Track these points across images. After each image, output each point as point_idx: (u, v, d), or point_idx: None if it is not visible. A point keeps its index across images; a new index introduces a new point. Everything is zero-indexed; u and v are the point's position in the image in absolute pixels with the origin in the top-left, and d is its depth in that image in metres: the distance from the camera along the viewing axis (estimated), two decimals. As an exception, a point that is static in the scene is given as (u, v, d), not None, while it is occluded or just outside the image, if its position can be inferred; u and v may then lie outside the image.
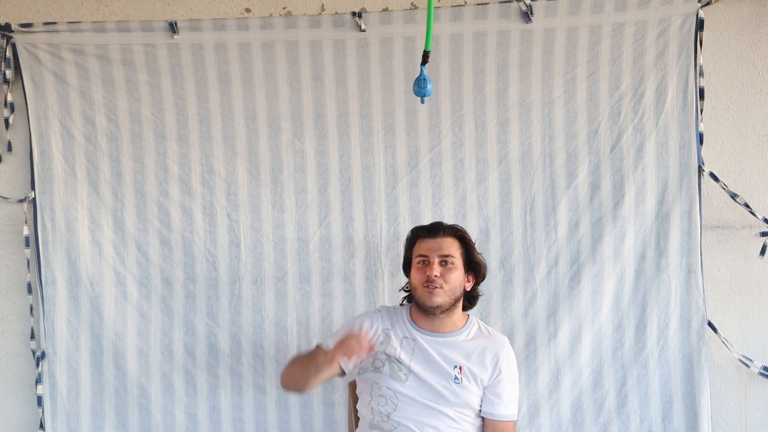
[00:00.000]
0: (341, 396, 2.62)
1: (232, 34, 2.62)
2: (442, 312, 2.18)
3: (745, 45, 2.58)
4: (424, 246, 2.21)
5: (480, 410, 2.20)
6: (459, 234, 2.23)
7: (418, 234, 2.25)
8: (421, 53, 2.54)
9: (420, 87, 1.87)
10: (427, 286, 2.16)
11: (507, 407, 2.19)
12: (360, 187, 2.63)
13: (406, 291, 2.32)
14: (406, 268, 2.30)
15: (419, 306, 2.21)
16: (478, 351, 2.19)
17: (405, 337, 2.21)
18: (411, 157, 2.63)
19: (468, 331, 2.23)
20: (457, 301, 2.20)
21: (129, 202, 2.67)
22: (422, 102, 1.94)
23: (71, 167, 2.66)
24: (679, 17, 2.53)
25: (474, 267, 2.24)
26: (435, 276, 2.15)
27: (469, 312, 2.31)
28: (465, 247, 2.23)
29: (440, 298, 2.15)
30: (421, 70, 1.84)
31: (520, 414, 2.57)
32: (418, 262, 2.21)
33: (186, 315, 2.66)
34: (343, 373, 2.22)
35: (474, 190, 2.61)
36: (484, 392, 2.19)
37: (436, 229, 2.23)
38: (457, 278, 2.18)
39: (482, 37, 2.58)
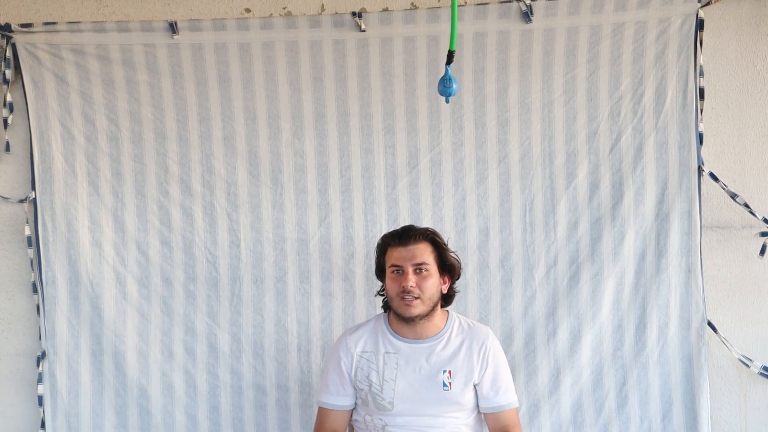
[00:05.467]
0: (341, 396, 2.63)
1: (232, 34, 2.62)
2: (421, 319, 2.15)
3: (745, 45, 2.58)
4: (396, 255, 2.16)
5: (477, 406, 2.20)
6: (430, 237, 2.18)
7: (390, 242, 2.19)
8: (422, 53, 2.59)
9: (445, 86, 1.88)
10: (404, 298, 2.12)
11: (504, 396, 2.19)
12: (360, 188, 2.63)
13: (381, 294, 2.28)
14: (379, 274, 2.26)
15: (396, 315, 2.18)
16: (464, 348, 2.18)
17: (387, 353, 2.19)
18: (411, 157, 2.63)
19: (450, 330, 2.21)
20: (435, 305, 2.17)
21: (129, 202, 2.67)
22: (447, 101, 1.95)
23: (71, 167, 2.67)
24: (679, 17, 2.53)
25: (448, 268, 2.20)
26: (411, 287, 2.11)
27: (448, 308, 2.28)
28: (438, 250, 2.18)
29: (418, 309, 2.12)
30: (446, 70, 1.85)
31: (520, 414, 2.57)
32: (392, 272, 2.16)
33: (186, 315, 2.66)
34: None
35: (474, 190, 2.61)
36: (476, 389, 2.19)
37: (407, 236, 2.16)
38: (433, 284, 2.14)
39: (482, 37, 2.58)
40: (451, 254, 2.23)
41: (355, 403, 2.25)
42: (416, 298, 2.11)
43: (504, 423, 2.17)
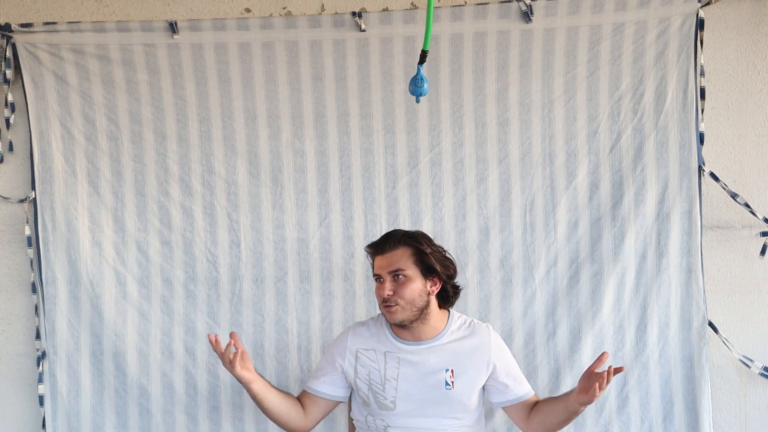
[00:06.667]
0: (341, 396, 2.63)
1: (232, 34, 2.62)
2: (412, 323, 2.14)
3: (745, 45, 2.57)
4: (376, 264, 2.17)
5: (479, 407, 2.21)
6: (408, 242, 2.15)
7: (371, 252, 2.20)
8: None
9: (416, 86, 1.85)
10: (386, 306, 2.13)
11: (521, 387, 2.21)
12: (360, 187, 2.63)
13: None
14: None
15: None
16: (465, 350, 2.18)
17: (388, 352, 2.19)
18: (411, 157, 2.63)
19: (451, 330, 2.20)
20: (423, 309, 2.14)
21: (129, 202, 2.67)
22: (417, 101, 1.93)
23: (71, 167, 2.67)
24: (679, 17, 2.53)
25: (433, 271, 2.15)
26: (387, 295, 2.10)
27: (450, 307, 2.27)
28: (419, 254, 2.14)
29: (400, 315, 2.11)
30: (418, 69, 1.84)
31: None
32: (375, 280, 2.18)
33: (186, 315, 2.66)
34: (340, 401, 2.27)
35: (474, 190, 2.61)
36: (485, 387, 2.20)
37: (383, 244, 2.16)
38: (414, 290, 2.11)
39: (482, 37, 2.58)
40: (445, 254, 2.20)
41: (350, 397, 2.26)
42: (396, 304, 2.11)
43: (530, 403, 2.21)
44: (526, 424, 2.19)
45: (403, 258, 2.13)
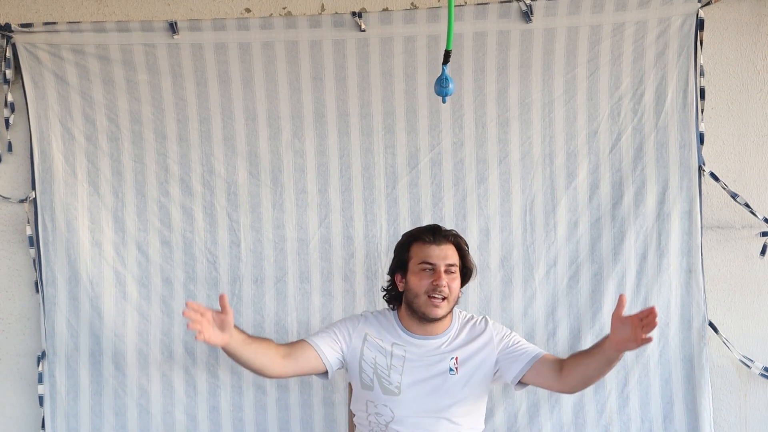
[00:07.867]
0: (341, 396, 2.62)
1: (232, 34, 2.62)
2: (438, 320, 2.17)
3: (745, 45, 2.58)
4: (428, 252, 2.16)
5: (513, 380, 2.17)
6: (457, 241, 2.21)
7: (421, 238, 2.19)
8: (422, 53, 2.59)
9: (442, 86, 1.87)
10: (433, 297, 2.12)
11: (531, 348, 2.19)
12: (360, 187, 2.63)
13: (385, 290, 2.28)
14: (396, 270, 2.24)
15: (415, 313, 2.17)
16: (469, 343, 2.20)
17: (396, 343, 2.20)
18: (411, 157, 2.63)
19: (456, 326, 2.24)
20: (452, 308, 2.21)
21: (129, 202, 2.67)
22: (444, 102, 1.94)
23: (71, 167, 2.67)
24: (679, 17, 2.53)
25: (466, 272, 2.23)
26: (444, 285, 2.12)
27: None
28: (461, 254, 2.21)
29: (444, 309, 2.14)
30: (443, 70, 1.85)
31: (519, 413, 2.58)
32: (423, 269, 2.16)
33: (186, 315, 2.67)
34: (325, 373, 2.20)
35: (474, 190, 2.61)
36: (499, 371, 2.19)
37: (440, 235, 2.18)
38: (458, 286, 2.18)
39: (482, 37, 2.58)
40: (471, 259, 2.26)
41: (349, 392, 2.25)
42: (444, 298, 2.13)
43: (551, 360, 2.15)
44: (561, 383, 2.11)
45: (455, 254, 2.19)
